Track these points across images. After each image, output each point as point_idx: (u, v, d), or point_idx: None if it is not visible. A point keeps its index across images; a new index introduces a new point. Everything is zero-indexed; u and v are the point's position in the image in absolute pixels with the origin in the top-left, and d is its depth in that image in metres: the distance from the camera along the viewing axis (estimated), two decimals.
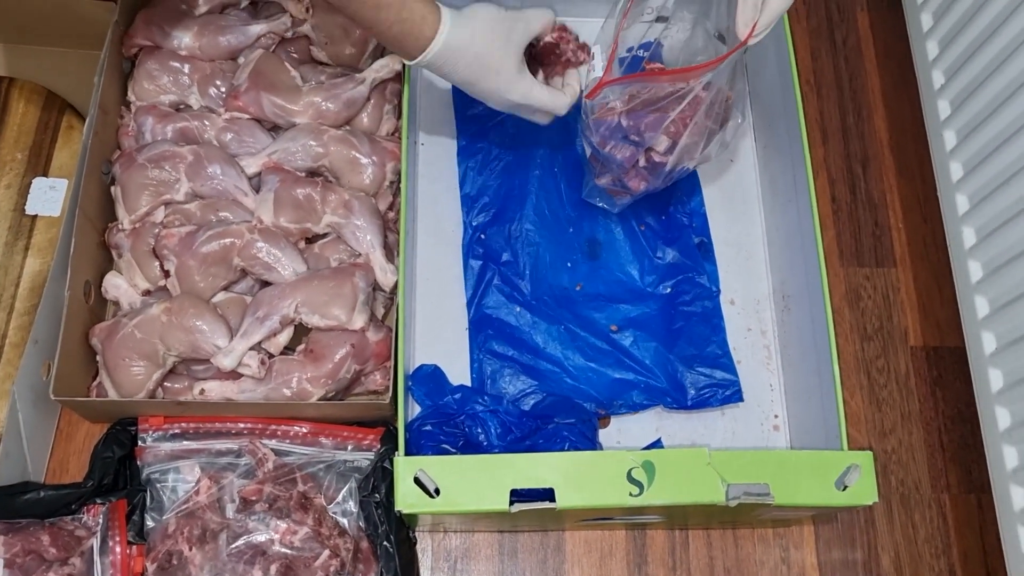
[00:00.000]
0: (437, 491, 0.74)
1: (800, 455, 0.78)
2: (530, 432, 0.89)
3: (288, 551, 0.82)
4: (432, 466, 0.74)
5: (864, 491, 0.76)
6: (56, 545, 0.81)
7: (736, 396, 0.94)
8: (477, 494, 0.74)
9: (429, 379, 0.92)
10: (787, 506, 0.75)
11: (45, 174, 1.01)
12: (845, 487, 0.76)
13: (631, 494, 0.74)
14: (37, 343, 0.87)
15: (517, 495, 0.74)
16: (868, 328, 1.01)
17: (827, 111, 1.11)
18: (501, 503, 0.74)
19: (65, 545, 0.81)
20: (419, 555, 0.89)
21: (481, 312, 0.97)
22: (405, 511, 0.73)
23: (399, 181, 0.99)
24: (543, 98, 0.86)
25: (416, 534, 0.90)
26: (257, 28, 1.00)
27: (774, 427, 0.95)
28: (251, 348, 0.88)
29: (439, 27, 0.80)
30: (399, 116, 1.02)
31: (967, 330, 0.90)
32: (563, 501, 0.74)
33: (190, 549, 0.82)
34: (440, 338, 0.96)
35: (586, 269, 1.00)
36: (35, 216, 0.99)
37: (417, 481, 0.74)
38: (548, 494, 0.74)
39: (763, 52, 1.06)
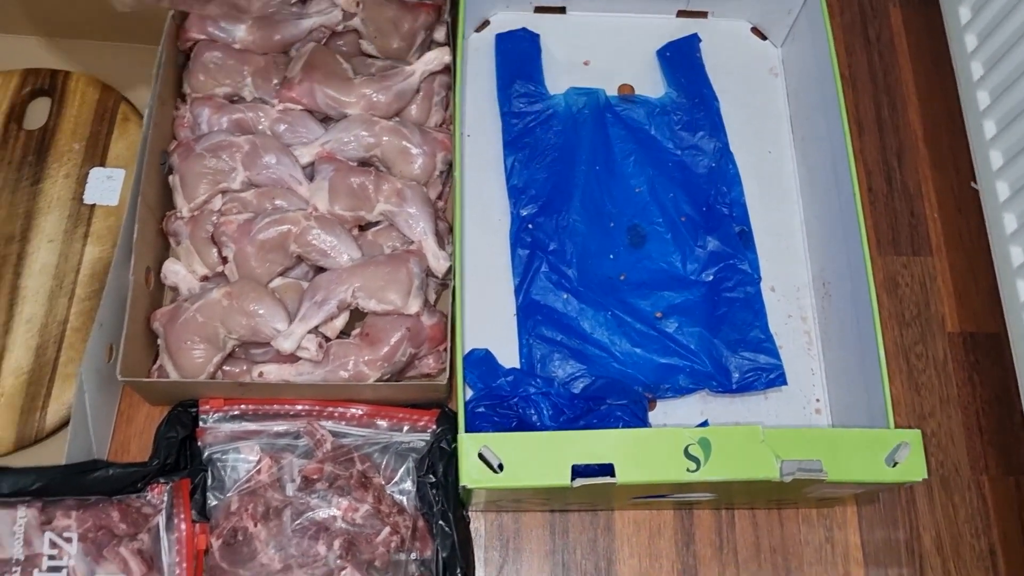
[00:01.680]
0: (501, 467, 0.76)
1: (851, 433, 0.80)
2: (582, 413, 0.91)
3: (350, 527, 0.84)
4: (495, 442, 0.77)
5: (914, 468, 0.78)
6: (125, 521, 0.83)
7: (780, 380, 0.96)
8: (539, 470, 0.76)
9: (481, 363, 0.94)
10: (839, 482, 0.78)
11: (102, 164, 1.03)
12: (895, 464, 0.78)
13: (688, 470, 0.77)
14: (102, 326, 0.89)
15: (578, 471, 0.76)
16: (906, 315, 1.03)
17: (862, 104, 1.14)
18: (563, 479, 0.76)
19: (134, 521, 0.84)
20: (472, 534, 0.91)
21: (529, 299, 0.99)
22: (470, 485, 0.76)
23: (448, 171, 1.02)
24: None
25: (469, 514, 0.92)
26: (309, 22, 1.02)
27: (816, 411, 0.97)
28: (309, 332, 0.90)
29: None
30: (446, 107, 1.05)
31: (1008, 315, 0.92)
32: (623, 476, 0.76)
33: (255, 525, 0.84)
34: (488, 324, 0.98)
35: (629, 260, 1.02)
36: (93, 205, 1.02)
37: (481, 457, 0.76)
38: (608, 469, 0.76)
39: (801, 47, 1.09)
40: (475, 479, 0.76)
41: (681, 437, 0.77)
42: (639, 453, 0.77)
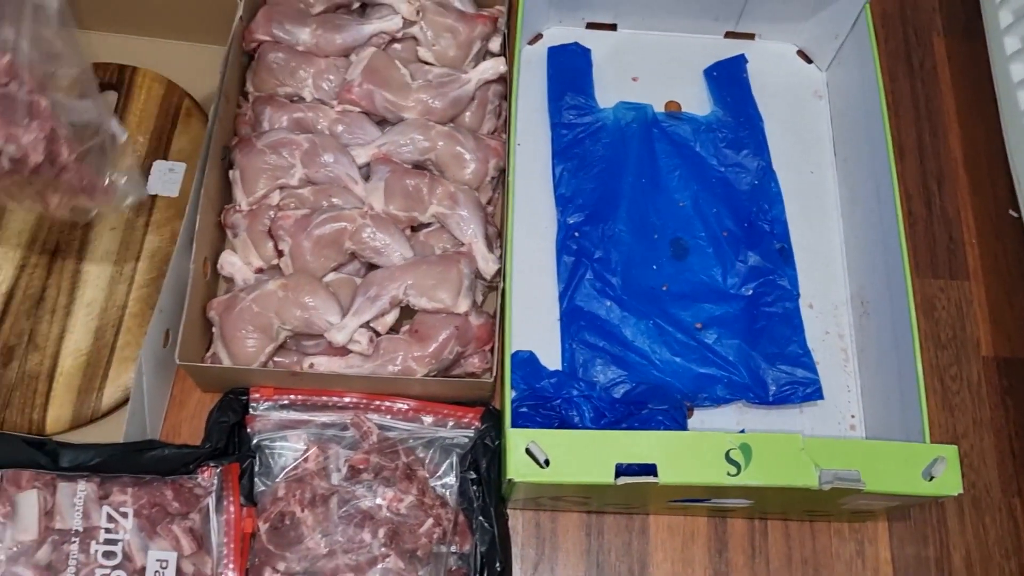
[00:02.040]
0: (547, 462, 0.78)
1: (889, 446, 0.82)
2: (623, 417, 0.93)
3: (395, 517, 0.86)
4: (542, 439, 0.79)
5: (950, 482, 0.80)
6: (178, 500, 0.86)
7: (816, 394, 0.98)
8: (584, 467, 0.78)
9: (525, 364, 0.97)
10: (876, 493, 0.79)
11: (165, 157, 1.07)
12: (932, 478, 0.80)
13: (729, 474, 0.79)
14: (162, 312, 0.92)
15: (621, 469, 0.78)
16: (942, 337, 1.05)
17: (904, 130, 1.16)
18: (607, 476, 0.78)
19: (186, 501, 0.86)
20: (510, 531, 0.93)
21: (573, 304, 1.02)
22: (517, 479, 0.78)
23: (499, 177, 1.04)
24: None
25: (507, 511, 0.94)
26: (370, 27, 1.06)
27: (850, 426, 0.99)
28: (361, 326, 0.93)
29: None
30: (499, 116, 1.08)
31: None
32: (664, 477, 0.78)
33: (302, 511, 0.87)
34: (532, 327, 1.01)
35: (671, 271, 1.05)
36: (155, 196, 1.05)
37: (528, 452, 0.79)
38: (651, 469, 0.78)
39: (847, 72, 1.11)
40: (522, 473, 0.78)
41: (723, 441, 0.80)
42: (681, 455, 0.79)
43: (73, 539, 0.79)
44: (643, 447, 0.79)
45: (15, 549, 0.77)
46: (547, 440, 0.79)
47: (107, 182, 0.87)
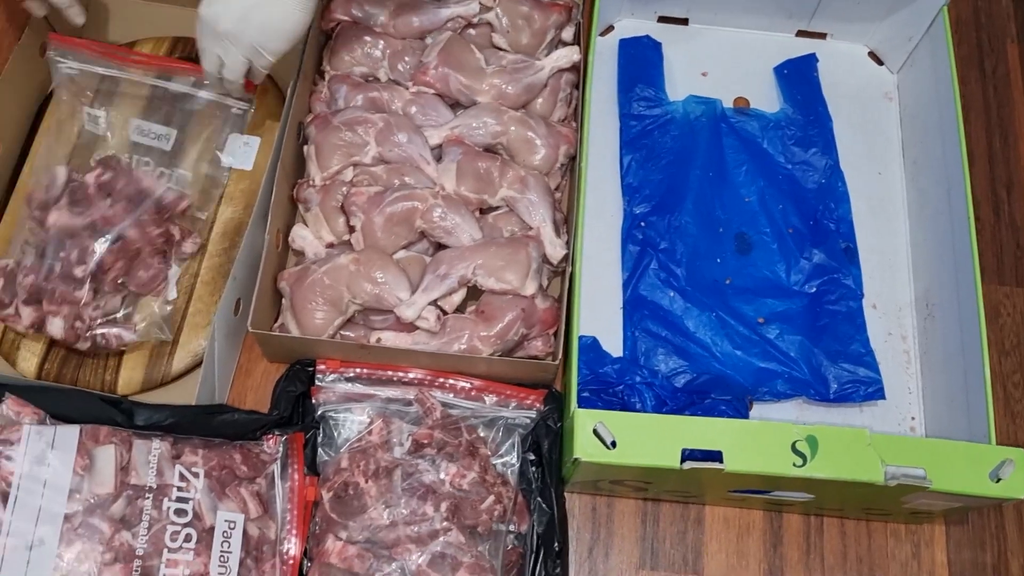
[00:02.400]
0: (614, 444, 0.79)
1: (955, 445, 0.82)
2: (684, 406, 0.94)
3: (457, 492, 0.87)
4: (609, 420, 0.80)
5: (1017, 485, 0.79)
6: (246, 464, 0.87)
7: (878, 394, 0.98)
8: (650, 450, 0.79)
9: (589, 350, 0.98)
10: (941, 492, 0.79)
11: (240, 131, 1.09)
12: (999, 479, 0.79)
13: (794, 464, 0.79)
14: (235, 280, 0.94)
15: (687, 454, 0.79)
16: (1006, 344, 1.04)
17: (974, 135, 1.15)
18: (672, 460, 0.79)
19: (253, 465, 0.88)
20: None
21: (637, 293, 1.02)
22: (584, 459, 0.79)
23: (568, 164, 1.05)
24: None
25: (565, 494, 0.95)
26: (448, 12, 1.07)
27: (910, 428, 0.99)
28: (429, 303, 0.94)
29: None
30: (569, 104, 1.09)
31: None
32: (730, 464, 0.78)
33: (366, 482, 0.88)
34: (595, 313, 1.01)
35: (735, 265, 1.05)
36: (230, 168, 1.07)
37: (595, 433, 0.80)
38: (716, 456, 0.79)
39: (919, 75, 1.11)
40: (589, 453, 0.79)
41: (789, 432, 0.80)
42: (747, 443, 0.80)
43: (147, 495, 0.81)
44: (709, 433, 0.80)
45: (92, 501, 0.79)
46: (614, 422, 0.80)
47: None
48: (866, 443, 0.80)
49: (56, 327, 0.91)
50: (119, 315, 0.95)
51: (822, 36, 1.19)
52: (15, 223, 1.00)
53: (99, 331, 0.93)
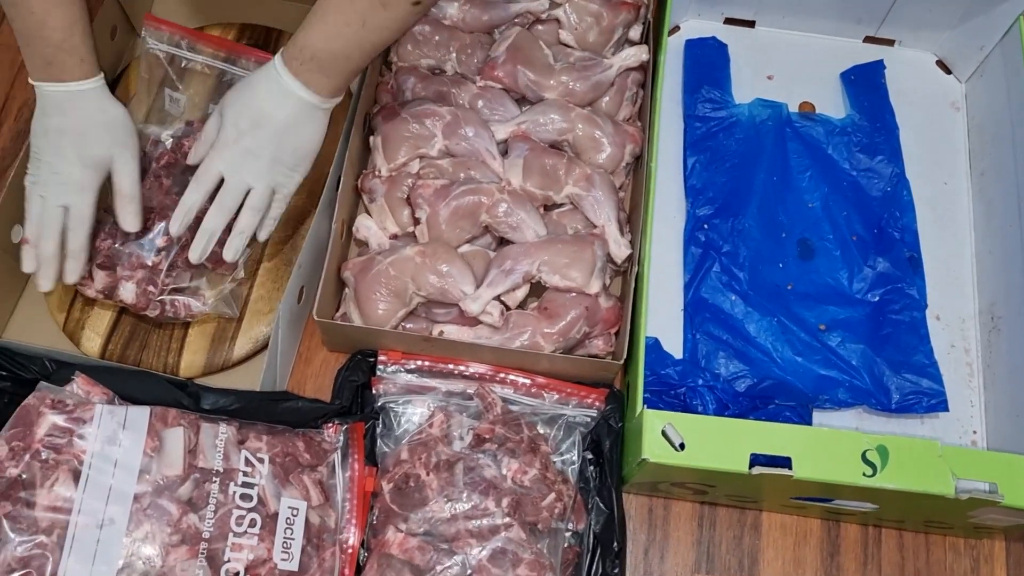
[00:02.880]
0: (682, 445, 0.79)
1: None
2: (747, 410, 0.94)
3: (519, 488, 0.87)
4: (677, 422, 0.80)
5: None
6: (309, 452, 0.88)
7: (941, 406, 0.97)
8: (718, 453, 0.79)
9: (650, 351, 0.97)
10: (1012, 508, 0.78)
11: None
12: None
13: (864, 474, 0.78)
14: (300, 268, 0.94)
15: (756, 460, 0.78)
16: None
17: None
18: (741, 465, 0.78)
19: (315, 454, 0.88)
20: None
21: (698, 296, 1.02)
22: (652, 459, 0.78)
23: (633, 164, 1.05)
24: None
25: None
26: (517, 7, 1.07)
27: (972, 441, 0.98)
28: (493, 298, 0.94)
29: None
30: (635, 103, 1.08)
31: None
32: (799, 471, 0.78)
33: (427, 474, 0.88)
34: (655, 314, 1.01)
35: (797, 271, 1.04)
36: None
37: (663, 434, 0.79)
38: (786, 462, 0.78)
39: (990, 84, 1.10)
40: (656, 454, 0.79)
41: (859, 441, 0.79)
42: (816, 451, 0.79)
43: (214, 478, 0.81)
44: (778, 439, 0.79)
45: (161, 483, 0.79)
46: (681, 424, 0.80)
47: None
48: (937, 455, 0.79)
49: (128, 292, 0.92)
50: (188, 286, 0.96)
51: (890, 43, 1.18)
52: None
53: (170, 299, 0.94)
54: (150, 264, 0.93)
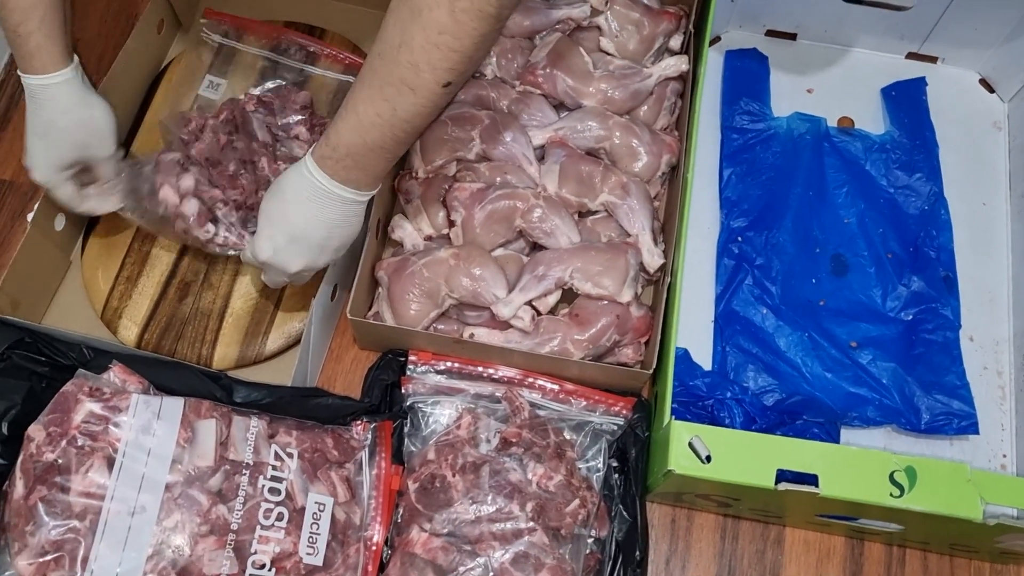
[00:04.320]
0: (708, 458, 0.79)
1: None
2: (774, 425, 0.93)
3: (543, 493, 0.88)
4: (704, 434, 0.80)
5: None
6: (337, 449, 0.89)
7: (972, 428, 0.96)
8: (745, 468, 0.79)
9: (679, 361, 0.97)
10: None
11: None
12: None
13: (892, 495, 0.78)
14: (334, 266, 0.95)
15: (783, 476, 0.78)
16: None
17: None
18: (767, 480, 0.78)
19: (344, 451, 0.89)
20: None
21: (730, 308, 1.02)
22: (678, 471, 0.79)
23: (669, 173, 1.05)
24: (65, 200, 0.95)
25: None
26: (559, 13, 1.07)
27: (1001, 465, 0.97)
28: (525, 303, 0.95)
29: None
30: (673, 113, 1.08)
31: None
32: (826, 489, 0.78)
33: (453, 475, 0.89)
34: (686, 325, 1.01)
35: (830, 287, 1.04)
36: None
37: (690, 446, 0.79)
38: (812, 480, 0.78)
39: None
40: (683, 466, 0.79)
41: (888, 461, 0.79)
42: (843, 469, 0.79)
43: (244, 471, 0.83)
44: (805, 456, 0.79)
45: (192, 473, 0.81)
46: (709, 436, 0.80)
47: None
48: (966, 478, 0.78)
49: (191, 206, 0.95)
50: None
51: (933, 60, 1.17)
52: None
53: (223, 233, 0.96)
54: (222, 185, 0.97)
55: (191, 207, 0.95)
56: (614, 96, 1.04)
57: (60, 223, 0.99)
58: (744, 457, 0.79)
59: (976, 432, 0.96)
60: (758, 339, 1.00)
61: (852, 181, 1.09)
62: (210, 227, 0.95)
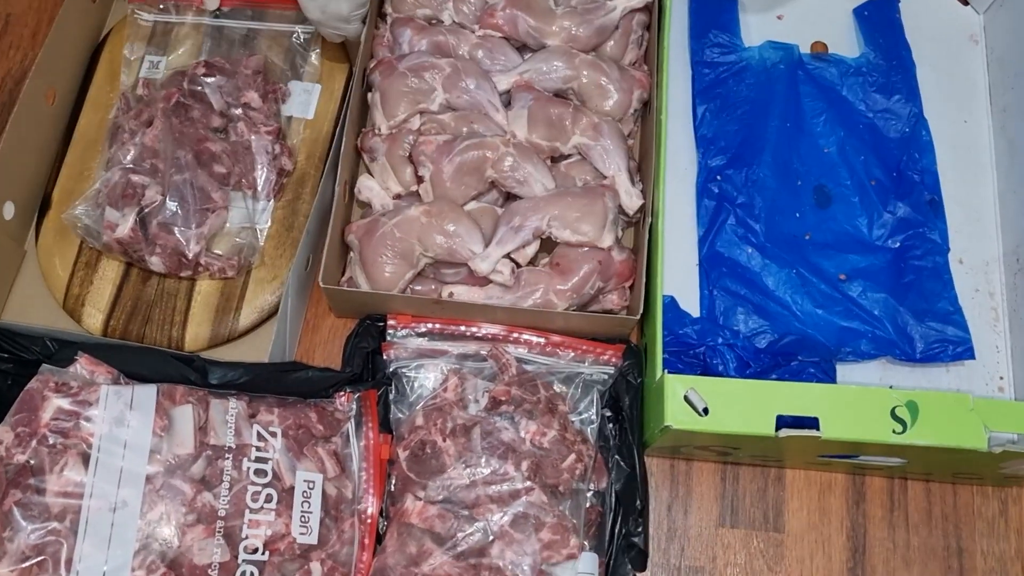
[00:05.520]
0: (706, 410, 0.77)
1: None
2: (769, 368, 0.91)
3: (538, 451, 0.86)
4: (699, 385, 0.77)
5: None
6: (322, 423, 0.86)
7: (967, 353, 0.94)
8: (744, 417, 0.77)
9: (667, 310, 0.95)
10: None
11: (299, 79, 1.05)
12: None
13: (894, 431, 0.76)
14: (308, 234, 0.92)
15: (783, 421, 0.76)
16: None
17: None
18: (767, 428, 0.76)
19: (328, 424, 0.86)
20: None
21: (713, 250, 0.99)
22: (676, 426, 0.76)
23: (641, 110, 1.01)
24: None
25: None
26: None
27: (999, 388, 0.96)
28: (503, 256, 0.92)
29: None
30: (641, 46, 1.04)
31: None
32: (827, 432, 0.76)
33: (444, 440, 0.86)
34: (670, 270, 0.97)
35: (814, 220, 1.01)
36: (290, 117, 1.03)
37: (686, 399, 0.77)
38: (813, 423, 0.76)
39: (1010, 15, 1.06)
40: (680, 420, 0.77)
41: (888, 398, 0.77)
42: (843, 410, 0.77)
43: (226, 455, 0.79)
44: (804, 399, 0.77)
45: (172, 462, 0.77)
46: (704, 388, 0.77)
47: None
48: (968, 408, 0.77)
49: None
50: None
51: None
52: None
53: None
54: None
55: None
56: (578, 33, 1.00)
57: (9, 211, 0.93)
58: (742, 406, 0.77)
59: (972, 357, 0.95)
60: (745, 280, 0.97)
61: (829, 109, 1.05)
62: (156, 261, 0.93)
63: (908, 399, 0.77)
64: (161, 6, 1.05)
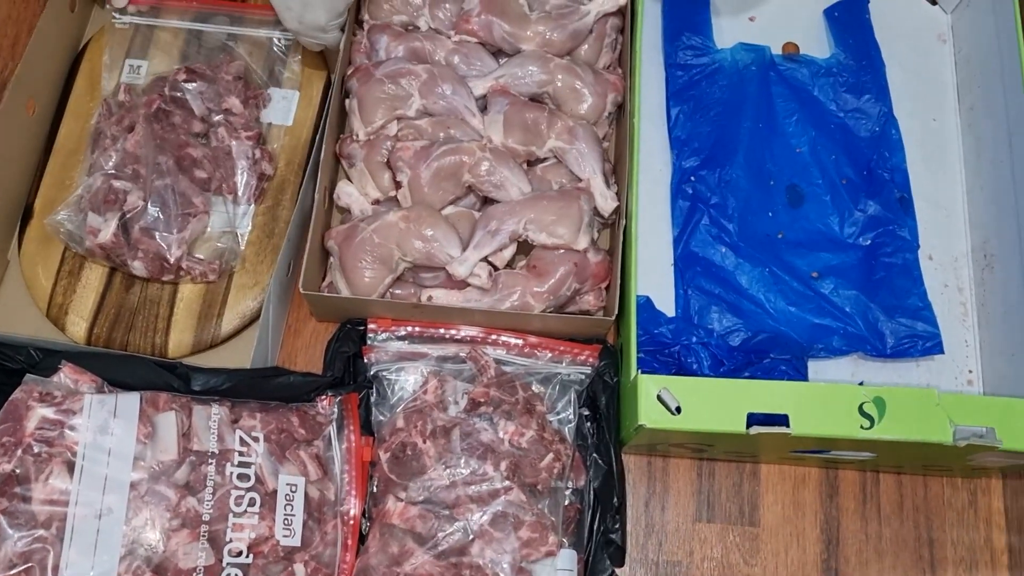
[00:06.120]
0: (678, 409, 0.78)
1: None
2: (742, 366, 0.93)
3: (516, 451, 0.87)
4: (671, 384, 0.79)
5: None
6: (304, 427, 0.87)
7: (937, 348, 0.96)
8: (715, 415, 0.79)
9: (642, 309, 0.96)
10: (1012, 451, 0.79)
11: (279, 86, 1.06)
12: None
13: (862, 427, 0.78)
14: (289, 241, 0.93)
15: (754, 419, 0.78)
16: None
17: None
18: (738, 425, 0.78)
19: (310, 428, 0.88)
20: None
21: (688, 250, 1.01)
22: (649, 425, 0.78)
23: (615, 113, 1.03)
24: None
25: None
26: None
27: (968, 381, 0.98)
28: (481, 260, 0.93)
29: None
30: (615, 50, 1.06)
31: None
32: (797, 428, 0.78)
33: (424, 442, 0.88)
34: (645, 271, 0.99)
35: (787, 219, 1.03)
36: (269, 124, 1.05)
37: (659, 399, 0.79)
38: (783, 420, 0.78)
39: (977, 15, 1.07)
40: (653, 419, 0.78)
41: (856, 394, 0.79)
42: (813, 406, 0.79)
43: (210, 461, 0.81)
44: (774, 397, 0.79)
45: (156, 468, 0.79)
46: (677, 387, 0.79)
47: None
48: (935, 403, 0.79)
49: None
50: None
51: None
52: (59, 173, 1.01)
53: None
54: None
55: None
56: (553, 38, 1.01)
57: None
58: (713, 404, 0.79)
59: (941, 352, 0.97)
60: (719, 279, 0.99)
61: (801, 109, 1.07)
62: (138, 265, 0.94)
63: (875, 395, 0.79)
64: (140, 9, 1.06)
